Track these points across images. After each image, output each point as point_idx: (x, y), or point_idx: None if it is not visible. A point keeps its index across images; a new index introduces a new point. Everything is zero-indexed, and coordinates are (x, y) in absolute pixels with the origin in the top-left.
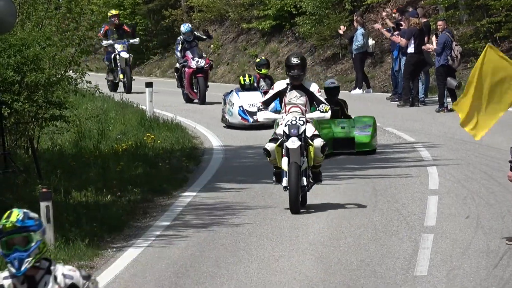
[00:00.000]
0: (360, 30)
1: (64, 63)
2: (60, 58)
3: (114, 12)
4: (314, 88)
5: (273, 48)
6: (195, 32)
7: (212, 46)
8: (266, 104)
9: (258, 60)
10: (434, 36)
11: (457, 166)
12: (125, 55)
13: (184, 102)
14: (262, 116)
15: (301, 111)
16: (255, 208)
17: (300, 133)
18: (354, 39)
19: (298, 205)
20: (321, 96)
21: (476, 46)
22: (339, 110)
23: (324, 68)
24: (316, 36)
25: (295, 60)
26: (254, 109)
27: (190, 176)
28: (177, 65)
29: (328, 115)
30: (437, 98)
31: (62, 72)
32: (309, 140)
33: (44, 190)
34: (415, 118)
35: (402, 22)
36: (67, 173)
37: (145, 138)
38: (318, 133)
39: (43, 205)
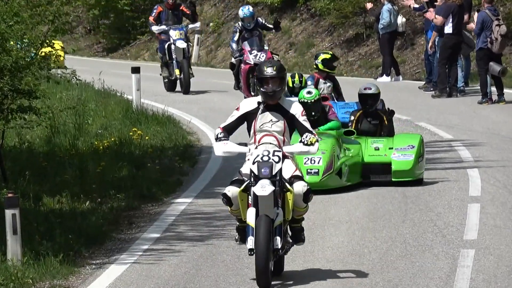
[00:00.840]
0: (387, 6)
1: (35, 44)
2: (30, 37)
3: None
4: (296, 110)
5: (284, 27)
6: (259, 19)
7: (211, 24)
8: (228, 130)
9: (323, 56)
10: (475, 13)
11: (503, 169)
12: (182, 44)
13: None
14: (221, 149)
15: (276, 142)
16: None
17: (274, 173)
18: (380, 16)
19: (268, 276)
20: (305, 121)
21: None
22: (378, 125)
23: (345, 51)
24: (336, 13)
25: (269, 71)
26: None
27: (185, 179)
28: (233, 59)
29: (314, 149)
30: (479, 87)
31: (33, 54)
32: (286, 184)
33: (10, 195)
34: (453, 111)
35: None
36: (38, 175)
37: (130, 133)
38: (300, 174)
39: (8, 213)
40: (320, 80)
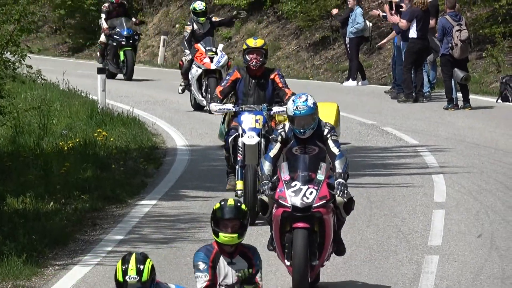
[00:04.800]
0: (359, 10)
1: (0, 43)
2: None
3: None
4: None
5: (251, 29)
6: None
7: (177, 26)
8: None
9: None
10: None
11: (468, 175)
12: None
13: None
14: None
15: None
16: None
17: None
18: (351, 20)
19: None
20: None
21: (493, 31)
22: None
23: (312, 54)
24: (302, 16)
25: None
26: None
27: (149, 181)
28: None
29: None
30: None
31: None
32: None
33: None
34: (419, 117)
35: (402, 4)
36: (1, 175)
37: (95, 134)
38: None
39: None
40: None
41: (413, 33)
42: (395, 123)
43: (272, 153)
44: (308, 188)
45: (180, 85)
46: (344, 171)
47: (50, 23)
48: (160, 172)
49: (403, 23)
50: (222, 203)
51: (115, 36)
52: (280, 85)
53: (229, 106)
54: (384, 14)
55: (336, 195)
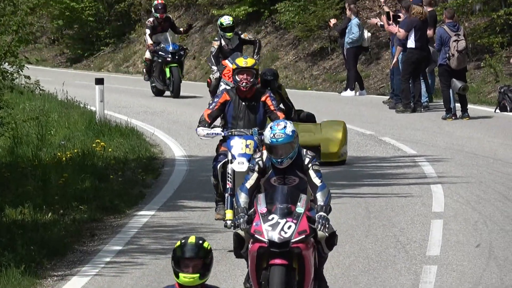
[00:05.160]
0: (355, 20)
1: None
2: None
3: None
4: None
5: None
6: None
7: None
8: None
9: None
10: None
11: (466, 185)
12: None
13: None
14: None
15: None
16: (225, 231)
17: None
18: (347, 30)
19: None
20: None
21: (491, 41)
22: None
23: (310, 64)
24: (301, 26)
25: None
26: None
27: (147, 191)
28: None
29: None
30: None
31: None
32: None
33: None
34: (417, 127)
35: (400, 14)
36: (0, 186)
37: (93, 145)
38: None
39: None
40: None
41: (411, 43)
42: (393, 133)
43: (249, 183)
44: (287, 221)
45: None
46: (326, 204)
47: (48, 33)
48: (158, 182)
49: (401, 32)
50: (183, 240)
51: (160, 52)
52: (272, 107)
53: (218, 130)
54: (382, 23)
55: (317, 230)
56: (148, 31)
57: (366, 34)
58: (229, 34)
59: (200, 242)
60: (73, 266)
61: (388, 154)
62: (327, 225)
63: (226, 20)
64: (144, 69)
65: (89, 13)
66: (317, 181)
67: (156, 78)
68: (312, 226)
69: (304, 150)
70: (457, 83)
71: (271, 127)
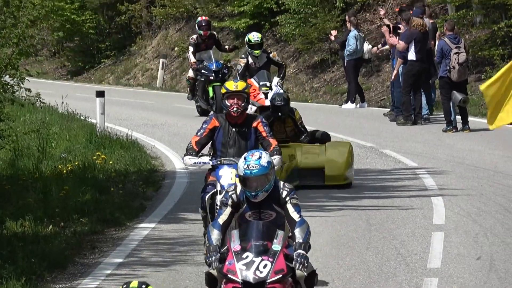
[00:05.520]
0: (353, 32)
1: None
2: None
3: None
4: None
5: None
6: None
7: (176, 49)
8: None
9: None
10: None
11: (467, 197)
12: None
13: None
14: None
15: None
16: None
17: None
18: (347, 43)
19: None
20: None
21: (492, 53)
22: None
23: (310, 77)
24: (301, 38)
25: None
26: None
27: (148, 204)
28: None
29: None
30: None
31: None
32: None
33: None
34: (418, 139)
35: (400, 26)
36: (1, 199)
37: (94, 157)
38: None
39: None
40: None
41: (411, 55)
42: (394, 145)
43: (221, 219)
44: (262, 260)
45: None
46: (305, 241)
47: (49, 46)
48: (159, 195)
49: (401, 44)
50: (124, 286)
51: (203, 71)
52: (264, 134)
53: (206, 159)
54: (382, 44)
55: (295, 269)
56: (191, 49)
57: (367, 46)
58: (256, 52)
59: (143, 286)
60: (74, 279)
61: (389, 167)
62: (306, 264)
63: (255, 36)
64: (188, 88)
65: (90, 26)
66: (295, 216)
67: (199, 97)
68: (290, 265)
69: (282, 182)
70: (457, 96)
71: (245, 158)
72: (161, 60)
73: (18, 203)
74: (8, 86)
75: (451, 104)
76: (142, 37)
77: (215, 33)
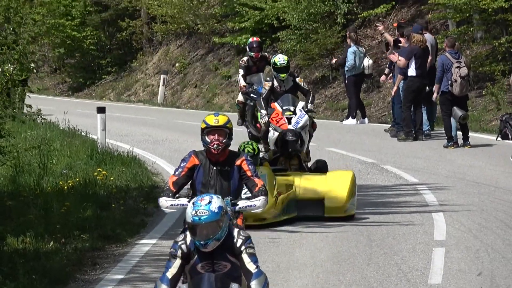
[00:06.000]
0: (352, 48)
1: (0, 83)
2: None
3: None
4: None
5: None
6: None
7: (177, 64)
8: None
9: None
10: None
11: (468, 213)
12: None
13: None
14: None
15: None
16: None
17: None
18: (346, 59)
19: None
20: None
21: (492, 69)
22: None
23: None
24: (302, 54)
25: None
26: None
27: (149, 220)
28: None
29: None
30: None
31: None
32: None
33: None
34: (419, 155)
35: (400, 39)
36: (2, 215)
37: (95, 174)
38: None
39: None
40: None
41: (411, 71)
42: (395, 161)
43: (170, 273)
44: None
45: (261, 152)
46: None
47: (50, 62)
48: (160, 211)
49: (401, 61)
50: None
51: (252, 95)
52: (249, 173)
53: (184, 201)
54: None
55: None
56: (241, 72)
57: (367, 61)
58: (282, 75)
59: None
60: None
61: (390, 182)
62: None
63: (280, 59)
64: (238, 113)
65: (91, 42)
66: (251, 267)
67: (249, 123)
68: None
69: (236, 229)
70: (457, 112)
71: (194, 203)
72: (162, 76)
73: (19, 219)
74: (9, 103)
75: (452, 120)
76: (143, 53)
77: (266, 54)
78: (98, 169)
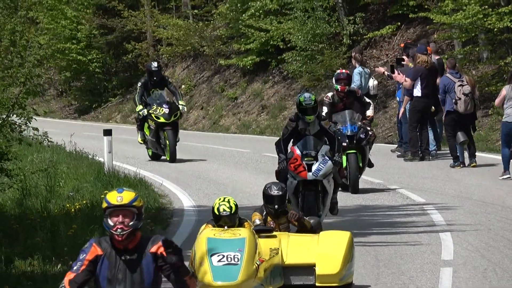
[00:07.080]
0: (357, 69)
1: (7, 106)
2: (1, 99)
3: None
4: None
5: (257, 89)
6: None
7: (183, 86)
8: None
9: None
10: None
11: (475, 233)
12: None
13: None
14: None
15: None
16: None
17: None
18: (353, 79)
19: None
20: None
21: (499, 89)
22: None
23: None
24: (308, 75)
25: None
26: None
27: None
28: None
29: None
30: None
31: (4, 116)
32: None
33: None
34: (426, 175)
35: (404, 57)
36: (9, 238)
37: (102, 196)
38: None
39: None
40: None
41: (417, 92)
42: (402, 181)
43: None
44: None
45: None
46: None
47: (56, 85)
48: (167, 233)
49: (407, 82)
50: None
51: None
52: (170, 261)
53: None
54: (389, 73)
55: None
56: (325, 109)
57: (372, 82)
58: (309, 118)
59: None
60: None
61: (396, 203)
62: None
63: (307, 99)
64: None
65: (96, 65)
66: None
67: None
68: None
69: None
70: (460, 137)
71: None
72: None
73: (26, 242)
74: (16, 126)
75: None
76: None
77: (355, 87)
78: (105, 191)
